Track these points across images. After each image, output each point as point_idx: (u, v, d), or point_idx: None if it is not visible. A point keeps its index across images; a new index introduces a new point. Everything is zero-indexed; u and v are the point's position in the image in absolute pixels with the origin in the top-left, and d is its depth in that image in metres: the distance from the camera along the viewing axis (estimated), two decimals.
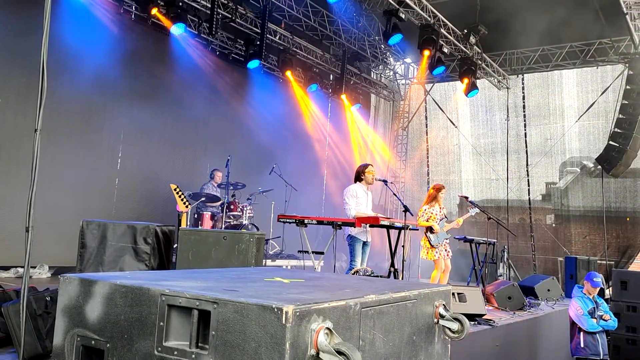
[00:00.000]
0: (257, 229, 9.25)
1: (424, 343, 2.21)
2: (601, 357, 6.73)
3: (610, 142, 11.79)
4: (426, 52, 11.00)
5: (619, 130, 11.60)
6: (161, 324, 1.69)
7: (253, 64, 11.06)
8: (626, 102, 11.48)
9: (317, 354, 1.56)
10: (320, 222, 6.68)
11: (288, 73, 12.18)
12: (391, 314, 1.98)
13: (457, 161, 15.85)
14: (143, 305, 1.74)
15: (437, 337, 2.31)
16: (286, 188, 10.50)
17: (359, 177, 7.31)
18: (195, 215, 9.33)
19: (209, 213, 9.30)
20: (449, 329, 2.26)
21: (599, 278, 6.89)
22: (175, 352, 1.66)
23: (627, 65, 11.96)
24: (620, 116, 11.59)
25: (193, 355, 1.63)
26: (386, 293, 1.98)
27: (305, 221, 6.55)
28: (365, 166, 7.38)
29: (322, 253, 6.83)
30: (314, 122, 13.89)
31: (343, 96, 13.44)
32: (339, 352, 1.54)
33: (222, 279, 2.19)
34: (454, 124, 15.46)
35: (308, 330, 1.55)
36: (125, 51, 9.46)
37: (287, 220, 6.77)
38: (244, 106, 11.69)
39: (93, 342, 1.81)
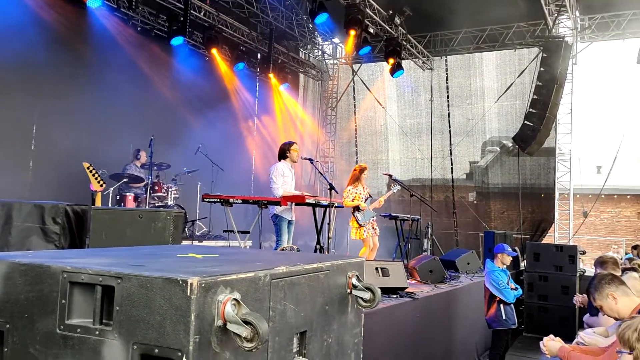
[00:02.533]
0: (183, 210, 9.09)
1: (337, 313, 2.26)
2: (516, 325, 7.17)
3: (526, 122, 12.38)
4: (352, 32, 11.07)
5: (533, 111, 12.19)
6: (63, 301, 1.64)
7: (177, 40, 10.71)
8: (540, 83, 12.06)
9: (225, 324, 1.56)
10: (245, 202, 6.69)
11: (214, 51, 11.89)
12: (302, 284, 2.01)
13: (384, 141, 16.16)
14: (44, 283, 1.68)
15: (351, 307, 2.37)
16: (212, 168, 10.35)
17: (283, 154, 7.30)
18: (118, 196, 9.04)
19: (132, 194, 9.04)
20: (362, 298, 2.32)
21: (510, 247, 7.27)
22: (79, 330, 1.62)
23: (541, 48, 12.54)
24: (535, 97, 12.16)
25: (97, 332, 1.60)
26: (297, 264, 2.01)
27: (230, 200, 6.53)
28: (290, 144, 7.39)
29: (247, 232, 6.83)
30: (241, 101, 13.71)
31: (271, 75, 13.32)
32: (246, 322, 1.55)
33: (132, 256, 2.14)
34: (381, 105, 15.72)
35: (214, 302, 1.55)
36: (38, 25, 8.90)
37: (212, 200, 6.72)
38: (168, 84, 11.34)
39: None
